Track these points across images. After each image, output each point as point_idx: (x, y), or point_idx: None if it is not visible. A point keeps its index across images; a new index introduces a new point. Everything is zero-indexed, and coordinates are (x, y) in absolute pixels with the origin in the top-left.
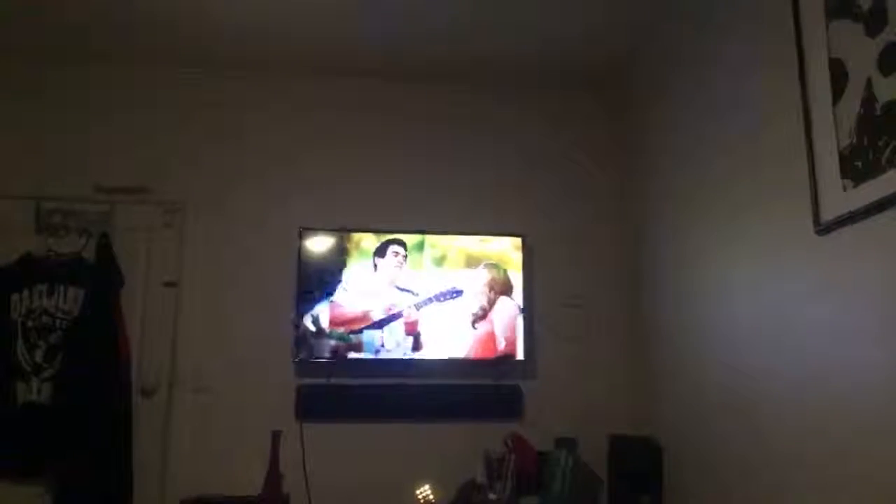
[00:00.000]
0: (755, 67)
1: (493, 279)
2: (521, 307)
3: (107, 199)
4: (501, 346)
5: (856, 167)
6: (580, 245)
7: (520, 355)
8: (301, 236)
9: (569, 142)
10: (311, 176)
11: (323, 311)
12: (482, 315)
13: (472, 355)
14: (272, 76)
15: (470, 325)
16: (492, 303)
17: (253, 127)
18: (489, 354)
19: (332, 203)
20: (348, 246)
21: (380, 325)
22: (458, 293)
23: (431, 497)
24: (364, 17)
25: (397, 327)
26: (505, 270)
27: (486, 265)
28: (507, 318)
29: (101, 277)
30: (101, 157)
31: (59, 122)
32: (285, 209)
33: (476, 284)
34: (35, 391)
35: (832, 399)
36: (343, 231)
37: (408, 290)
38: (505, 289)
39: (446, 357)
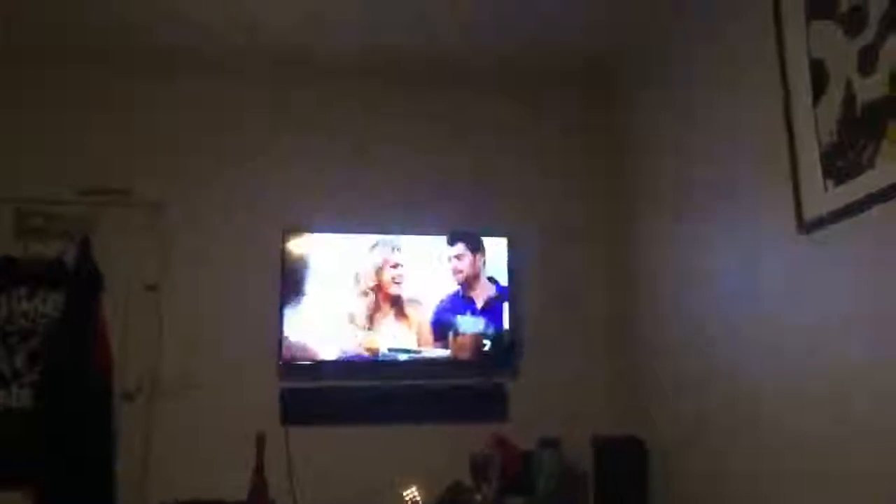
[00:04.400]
0: (738, 68)
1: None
2: (507, 307)
3: (88, 201)
4: (486, 346)
5: (837, 167)
6: (566, 246)
7: (504, 355)
8: (284, 238)
9: (557, 141)
10: (295, 177)
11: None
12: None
13: (456, 356)
14: (254, 78)
15: (455, 324)
16: (477, 302)
17: (235, 128)
18: (474, 355)
19: (316, 204)
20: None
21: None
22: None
23: (418, 499)
24: (350, 17)
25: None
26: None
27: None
28: (493, 318)
29: (82, 281)
30: (81, 159)
31: (39, 124)
32: (268, 210)
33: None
34: (14, 397)
35: (815, 397)
36: (327, 232)
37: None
38: (490, 288)
39: (431, 357)
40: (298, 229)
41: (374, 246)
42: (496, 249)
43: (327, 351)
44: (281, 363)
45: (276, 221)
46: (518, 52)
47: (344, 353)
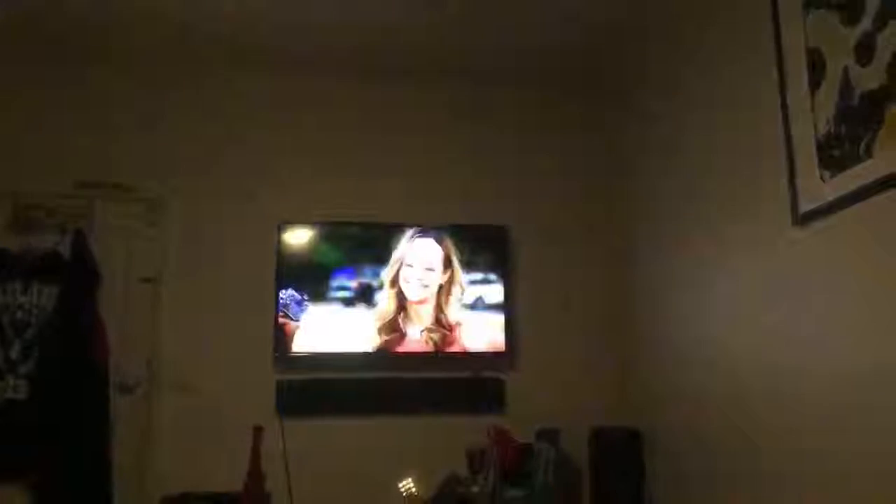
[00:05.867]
0: (734, 59)
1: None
2: (504, 300)
3: (85, 195)
4: (483, 339)
5: (833, 157)
6: (564, 239)
7: (502, 348)
8: (280, 231)
9: (552, 140)
10: (291, 171)
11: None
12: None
13: (454, 348)
14: (250, 73)
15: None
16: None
17: (232, 123)
18: (471, 348)
19: (313, 198)
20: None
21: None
22: None
23: (414, 491)
24: (349, 14)
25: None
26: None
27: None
28: (489, 311)
29: (77, 274)
30: (79, 153)
31: (37, 119)
32: (264, 204)
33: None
34: (11, 389)
35: (810, 388)
36: (323, 225)
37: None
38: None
39: (429, 350)
40: (294, 222)
41: (385, 244)
42: (496, 245)
43: (326, 343)
44: (277, 355)
45: (272, 215)
46: (518, 49)
47: (349, 349)
